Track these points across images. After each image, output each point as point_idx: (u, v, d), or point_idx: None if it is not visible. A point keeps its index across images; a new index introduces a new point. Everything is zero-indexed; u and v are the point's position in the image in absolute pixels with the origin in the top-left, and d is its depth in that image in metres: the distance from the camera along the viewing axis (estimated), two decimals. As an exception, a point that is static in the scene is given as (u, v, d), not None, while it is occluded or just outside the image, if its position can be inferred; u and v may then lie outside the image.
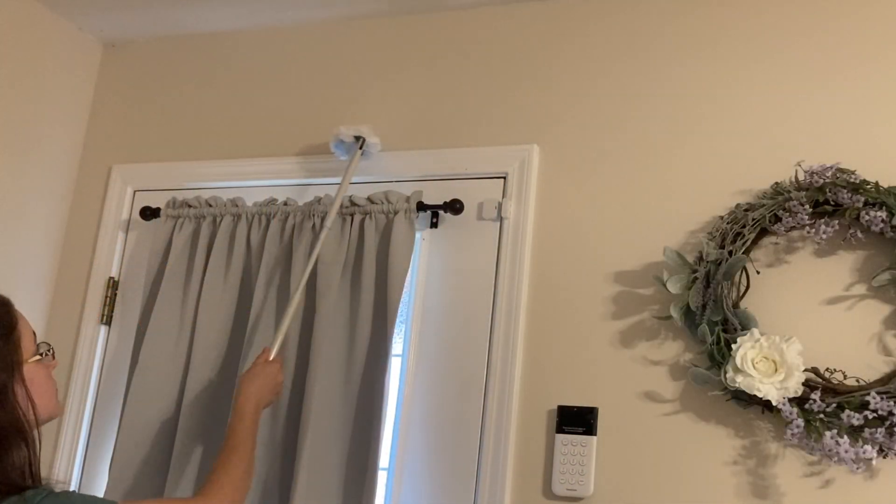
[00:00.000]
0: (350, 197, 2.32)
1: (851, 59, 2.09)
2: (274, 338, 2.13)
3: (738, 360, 1.88)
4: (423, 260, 2.32)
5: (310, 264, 2.21)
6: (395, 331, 2.19)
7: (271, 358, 2.07)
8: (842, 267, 1.97)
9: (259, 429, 2.20)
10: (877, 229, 1.90)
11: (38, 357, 1.57)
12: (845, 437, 1.79)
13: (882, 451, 1.81)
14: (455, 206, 2.28)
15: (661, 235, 2.11)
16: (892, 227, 1.89)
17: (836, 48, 2.10)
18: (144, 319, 2.41)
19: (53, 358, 1.63)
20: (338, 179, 2.42)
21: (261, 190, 2.48)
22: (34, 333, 1.60)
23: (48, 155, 2.70)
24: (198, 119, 2.70)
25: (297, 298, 2.18)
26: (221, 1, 2.59)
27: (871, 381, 1.88)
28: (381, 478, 2.15)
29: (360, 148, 2.35)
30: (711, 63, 2.20)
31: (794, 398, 1.86)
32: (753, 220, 1.99)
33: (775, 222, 1.99)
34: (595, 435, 2.05)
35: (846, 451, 1.78)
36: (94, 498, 1.56)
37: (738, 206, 2.04)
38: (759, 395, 1.86)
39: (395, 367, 2.24)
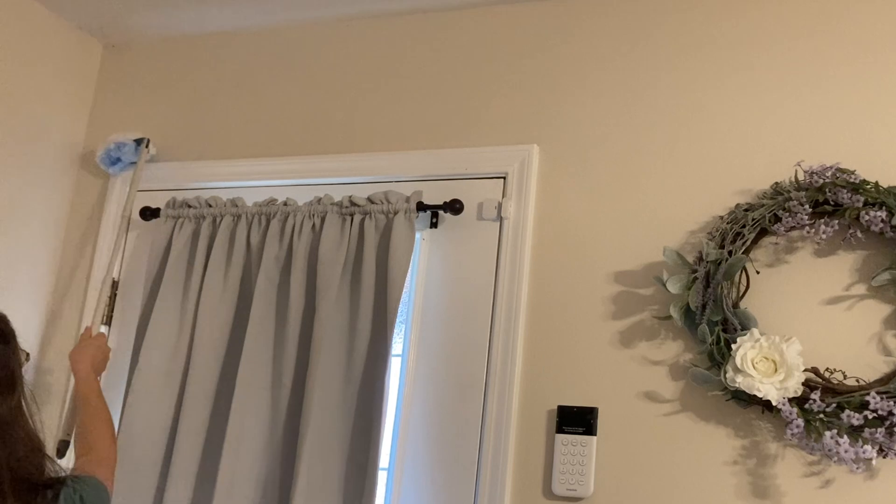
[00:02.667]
0: (350, 197, 2.32)
1: (851, 59, 2.09)
2: (94, 318, 2.40)
3: (738, 360, 1.88)
4: (423, 260, 2.32)
5: None
6: (395, 331, 2.19)
7: (93, 334, 2.32)
8: (842, 267, 1.97)
9: (259, 428, 2.22)
10: (877, 229, 1.90)
11: (25, 362, 1.65)
12: (845, 437, 1.79)
13: (882, 451, 1.81)
14: (455, 206, 2.28)
15: (661, 235, 2.11)
16: (891, 227, 1.89)
17: (836, 48, 2.10)
18: (144, 319, 2.41)
19: None
20: (338, 179, 2.43)
21: (261, 190, 2.48)
22: None
23: (48, 155, 2.70)
24: (197, 119, 2.70)
25: (107, 283, 2.49)
26: (222, 1, 2.59)
27: (871, 381, 1.88)
28: (381, 478, 2.15)
29: (147, 147, 2.62)
30: (711, 63, 2.20)
31: (794, 398, 1.86)
32: (753, 220, 1.99)
33: (775, 222, 1.99)
34: (595, 435, 2.05)
35: (846, 451, 1.78)
36: (96, 479, 1.75)
37: (738, 206, 2.05)
38: (759, 395, 1.86)
39: (395, 367, 2.24)
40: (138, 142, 2.63)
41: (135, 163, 2.63)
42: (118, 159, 2.65)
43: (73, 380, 2.27)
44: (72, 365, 2.21)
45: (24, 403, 1.57)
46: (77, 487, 1.59)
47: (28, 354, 1.70)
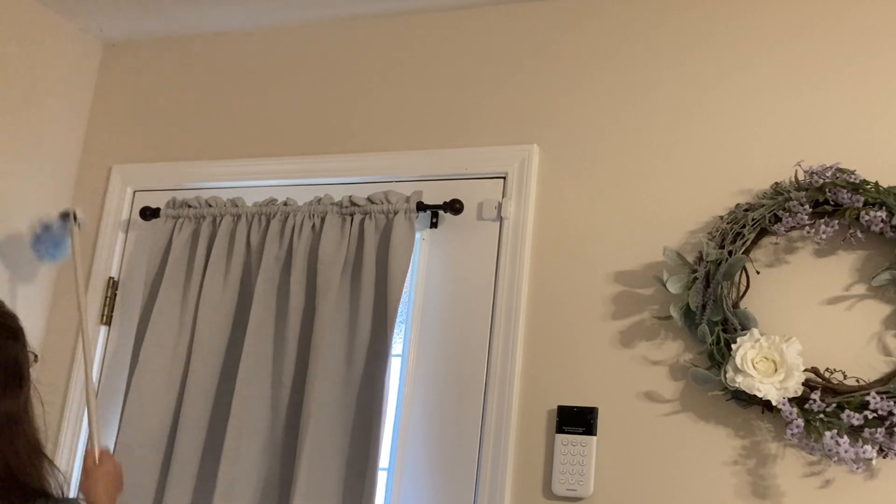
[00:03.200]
0: (350, 197, 2.32)
1: (851, 59, 2.09)
2: (90, 440, 2.02)
3: (737, 360, 1.88)
4: (423, 260, 2.32)
5: None
6: (395, 331, 2.19)
7: (98, 457, 1.98)
8: (842, 267, 1.97)
9: (259, 428, 2.22)
10: (877, 229, 1.90)
11: (34, 363, 1.62)
12: (845, 437, 1.79)
13: (882, 451, 1.81)
14: (455, 206, 2.28)
15: (661, 235, 2.11)
16: (891, 227, 1.89)
17: (837, 48, 2.10)
18: (144, 319, 2.41)
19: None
20: (338, 179, 2.44)
21: (261, 190, 2.48)
22: None
23: (48, 155, 2.70)
24: (198, 119, 2.70)
25: (92, 394, 2.10)
26: (222, 1, 2.59)
27: (871, 381, 1.88)
28: (381, 478, 2.15)
29: (76, 221, 2.35)
30: (711, 63, 2.20)
31: (794, 398, 1.86)
32: (753, 220, 1.99)
33: (775, 222, 1.99)
34: (595, 435, 2.05)
35: (846, 451, 1.78)
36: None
37: (738, 206, 2.05)
38: (759, 395, 1.86)
39: (395, 367, 2.24)
40: (64, 215, 2.39)
41: (67, 239, 2.39)
42: (52, 242, 2.41)
43: None
44: (88, 499, 1.93)
45: (30, 402, 1.55)
46: None
47: (36, 356, 1.68)
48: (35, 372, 1.62)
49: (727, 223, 2.03)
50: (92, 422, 2.05)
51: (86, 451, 2.00)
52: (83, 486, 1.96)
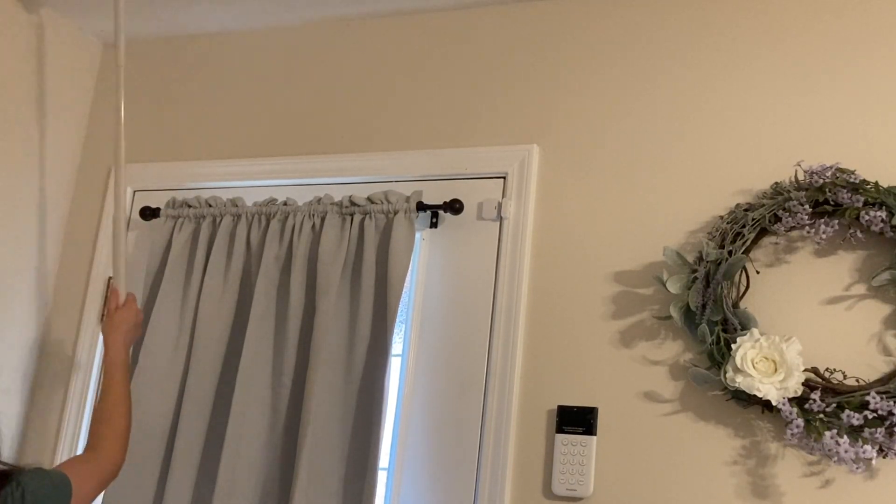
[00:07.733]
0: (350, 197, 2.32)
1: (851, 59, 2.09)
2: (116, 277, 2.07)
3: (737, 360, 1.88)
4: (423, 260, 2.32)
5: None
6: (395, 331, 2.19)
7: (122, 299, 2.05)
8: (842, 267, 1.97)
9: (259, 428, 2.21)
10: (877, 229, 1.90)
11: None
12: (845, 437, 1.79)
13: (882, 451, 1.81)
14: (455, 206, 2.28)
15: (661, 235, 2.11)
16: (891, 226, 1.89)
17: (836, 48, 2.10)
18: (144, 319, 2.41)
19: None
20: (338, 179, 2.44)
21: (261, 190, 2.48)
22: None
23: (48, 155, 2.70)
24: (198, 119, 2.70)
25: (122, 228, 2.03)
26: (222, 1, 2.59)
27: (871, 381, 1.88)
28: (381, 478, 2.15)
29: None
30: (711, 63, 2.20)
31: (794, 398, 1.86)
32: (753, 220, 1.99)
33: (775, 222, 1.99)
34: (595, 435, 2.05)
35: (846, 451, 1.78)
36: (53, 472, 1.66)
37: (737, 206, 2.05)
38: (759, 395, 1.86)
39: (395, 367, 2.24)
40: None
41: None
42: None
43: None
44: (107, 341, 2.06)
45: None
46: (21, 481, 1.47)
47: None
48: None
49: (727, 223, 2.03)
50: (119, 260, 2.09)
51: (108, 290, 2.03)
52: (104, 328, 2.05)
